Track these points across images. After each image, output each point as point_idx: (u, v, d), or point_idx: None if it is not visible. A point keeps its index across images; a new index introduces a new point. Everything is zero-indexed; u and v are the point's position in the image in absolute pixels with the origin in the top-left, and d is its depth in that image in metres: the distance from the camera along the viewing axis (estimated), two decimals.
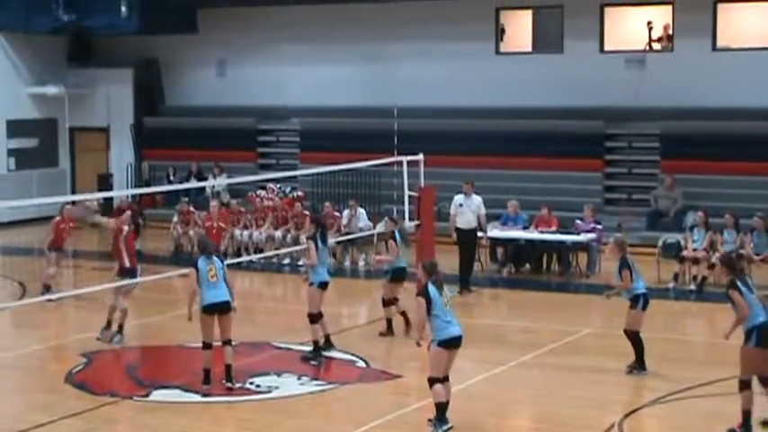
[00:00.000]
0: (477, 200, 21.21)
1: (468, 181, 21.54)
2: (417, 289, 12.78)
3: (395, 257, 17.32)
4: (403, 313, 17.34)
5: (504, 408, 13.51)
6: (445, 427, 12.43)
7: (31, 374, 15.75)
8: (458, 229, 21.16)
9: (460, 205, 21.16)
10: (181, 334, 16.99)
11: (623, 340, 15.59)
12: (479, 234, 21.40)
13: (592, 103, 27.04)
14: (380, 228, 25.10)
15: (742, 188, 25.01)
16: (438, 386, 12.41)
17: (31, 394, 14.70)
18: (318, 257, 16.04)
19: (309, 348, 16.15)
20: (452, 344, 12.47)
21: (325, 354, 16.08)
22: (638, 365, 15.12)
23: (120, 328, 17.00)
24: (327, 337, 16.31)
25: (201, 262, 14.55)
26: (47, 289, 20.06)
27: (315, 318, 16.06)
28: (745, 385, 12.47)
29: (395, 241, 17.39)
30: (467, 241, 21.18)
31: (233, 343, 14.60)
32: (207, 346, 14.53)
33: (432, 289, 12.49)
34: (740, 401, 12.42)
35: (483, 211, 21.29)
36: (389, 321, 17.46)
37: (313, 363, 15.83)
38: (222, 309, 14.46)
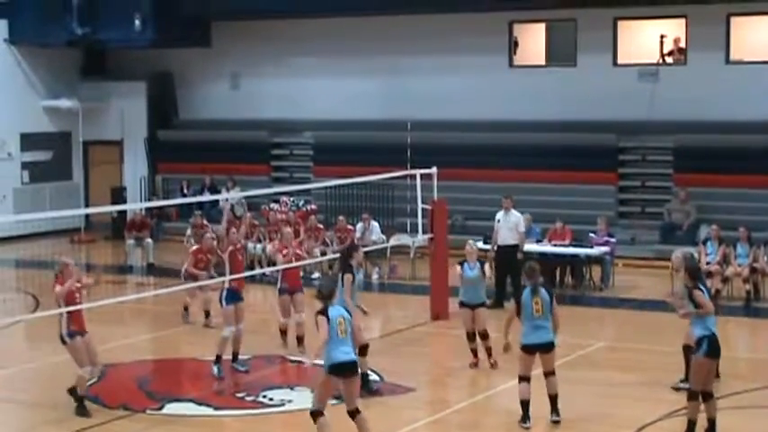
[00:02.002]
0: (515, 216, 20.72)
1: (508, 195, 21.06)
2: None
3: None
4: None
5: (517, 421, 13.48)
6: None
7: (44, 387, 15.74)
8: (498, 246, 20.84)
9: (498, 221, 20.78)
10: (194, 347, 17.01)
11: (636, 354, 15.59)
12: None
13: (605, 117, 27.01)
14: (394, 241, 25.23)
15: (756, 201, 24.94)
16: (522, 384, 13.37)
17: (43, 407, 14.69)
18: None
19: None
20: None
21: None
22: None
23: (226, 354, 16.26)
24: None
25: (332, 311, 12.06)
26: (207, 314, 19.58)
27: None
28: (693, 396, 12.64)
29: None
30: (502, 258, 20.66)
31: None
32: (317, 413, 12.24)
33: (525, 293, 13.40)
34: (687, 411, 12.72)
35: (522, 228, 20.81)
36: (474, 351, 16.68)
37: None
38: (351, 369, 12.12)
